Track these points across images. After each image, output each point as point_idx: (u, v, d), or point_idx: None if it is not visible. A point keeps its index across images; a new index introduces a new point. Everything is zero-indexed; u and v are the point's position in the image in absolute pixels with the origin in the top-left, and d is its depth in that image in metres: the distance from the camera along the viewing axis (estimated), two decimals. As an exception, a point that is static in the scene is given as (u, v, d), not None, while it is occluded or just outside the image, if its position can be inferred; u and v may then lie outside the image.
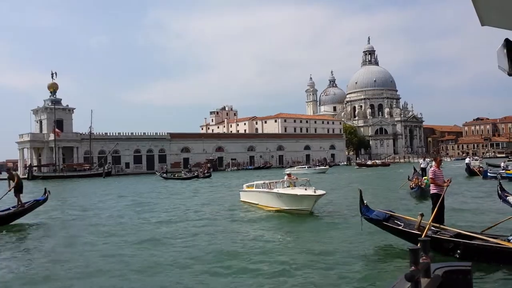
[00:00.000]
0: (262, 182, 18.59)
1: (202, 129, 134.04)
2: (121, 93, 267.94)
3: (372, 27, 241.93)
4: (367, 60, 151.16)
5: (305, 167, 67.10)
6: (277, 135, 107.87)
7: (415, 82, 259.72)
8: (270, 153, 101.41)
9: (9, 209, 14.78)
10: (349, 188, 27.58)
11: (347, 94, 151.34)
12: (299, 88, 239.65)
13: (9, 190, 14.97)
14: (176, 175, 55.63)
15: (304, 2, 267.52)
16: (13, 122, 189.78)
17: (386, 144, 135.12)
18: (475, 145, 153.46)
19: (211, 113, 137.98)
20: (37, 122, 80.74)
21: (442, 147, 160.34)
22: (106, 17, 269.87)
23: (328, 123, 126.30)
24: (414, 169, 28.20)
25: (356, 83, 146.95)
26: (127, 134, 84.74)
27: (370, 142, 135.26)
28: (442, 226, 8.86)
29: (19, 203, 14.75)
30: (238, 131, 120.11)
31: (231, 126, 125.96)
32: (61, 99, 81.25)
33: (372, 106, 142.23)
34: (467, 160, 40.32)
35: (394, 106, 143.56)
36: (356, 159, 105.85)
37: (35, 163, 74.29)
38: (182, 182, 43.90)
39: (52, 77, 79.53)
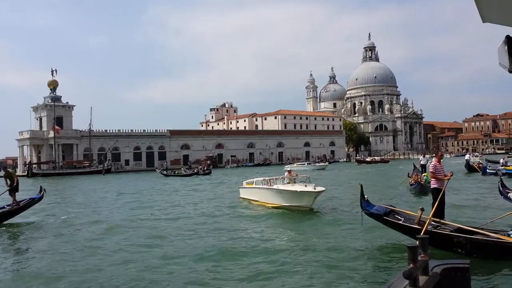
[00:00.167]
0: (262, 179, 18.62)
1: (202, 126, 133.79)
2: (121, 91, 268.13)
3: (371, 24, 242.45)
4: (367, 56, 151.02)
5: (304, 164, 67.21)
6: (277, 132, 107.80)
7: (414, 78, 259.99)
8: (270, 150, 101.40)
9: (4, 207, 14.68)
10: (348, 184, 27.63)
11: (347, 90, 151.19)
12: (299, 85, 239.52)
13: (9, 190, 14.83)
14: (176, 172, 55.67)
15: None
16: (13, 120, 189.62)
17: (386, 141, 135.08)
18: (475, 141, 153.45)
19: (211, 110, 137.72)
20: (37, 119, 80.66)
21: (442, 143, 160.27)
22: (106, 16, 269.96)
23: (328, 119, 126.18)
24: (414, 166, 28.17)
25: (356, 79, 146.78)
26: (126, 131, 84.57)
27: (370, 139, 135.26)
28: (442, 221, 8.87)
29: (14, 201, 14.65)
30: (238, 128, 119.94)
31: (231, 123, 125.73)
32: (61, 96, 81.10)
33: (372, 103, 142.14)
34: (467, 156, 40.30)
35: (394, 102, 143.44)
36: (356, 156, 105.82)
37: (34, 160, 74.12)
38: (182, 179, 43.97)
39: (52, 74, 79.68)
